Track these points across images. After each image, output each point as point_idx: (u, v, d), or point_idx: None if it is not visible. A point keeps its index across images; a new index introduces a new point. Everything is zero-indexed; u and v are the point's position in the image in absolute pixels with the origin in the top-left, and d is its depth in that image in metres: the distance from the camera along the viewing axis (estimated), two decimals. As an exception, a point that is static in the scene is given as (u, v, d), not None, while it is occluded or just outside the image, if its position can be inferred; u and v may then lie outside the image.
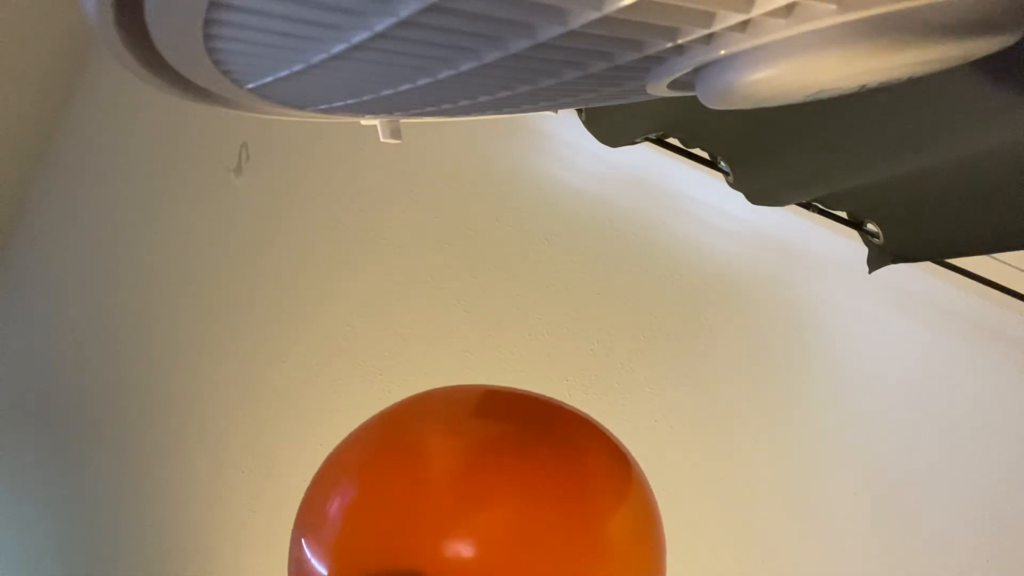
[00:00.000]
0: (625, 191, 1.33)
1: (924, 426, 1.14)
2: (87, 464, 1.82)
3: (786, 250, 1.23)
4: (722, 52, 0.24)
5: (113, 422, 1.77)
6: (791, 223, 1.20)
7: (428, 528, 0.38)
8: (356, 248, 1.53)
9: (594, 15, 0.21)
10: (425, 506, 0.39)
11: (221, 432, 1.64)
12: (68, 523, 1.84)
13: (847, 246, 1.06)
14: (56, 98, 1.95)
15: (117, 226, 1.86)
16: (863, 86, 0.26)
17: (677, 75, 0.26)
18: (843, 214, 0.79)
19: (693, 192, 1.28)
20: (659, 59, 0.25)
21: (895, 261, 0.73)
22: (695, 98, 0.27)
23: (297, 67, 0.27)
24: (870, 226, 0.75)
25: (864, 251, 0.77)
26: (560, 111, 0.79)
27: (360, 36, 0.23)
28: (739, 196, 0.82)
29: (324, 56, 0.26)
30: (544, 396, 0.47)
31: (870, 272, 0.76)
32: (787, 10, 0.22)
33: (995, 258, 0.97)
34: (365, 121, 0.41)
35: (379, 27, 0.22)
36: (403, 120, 0.42)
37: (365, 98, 0.32)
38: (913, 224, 0.70)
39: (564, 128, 1.37)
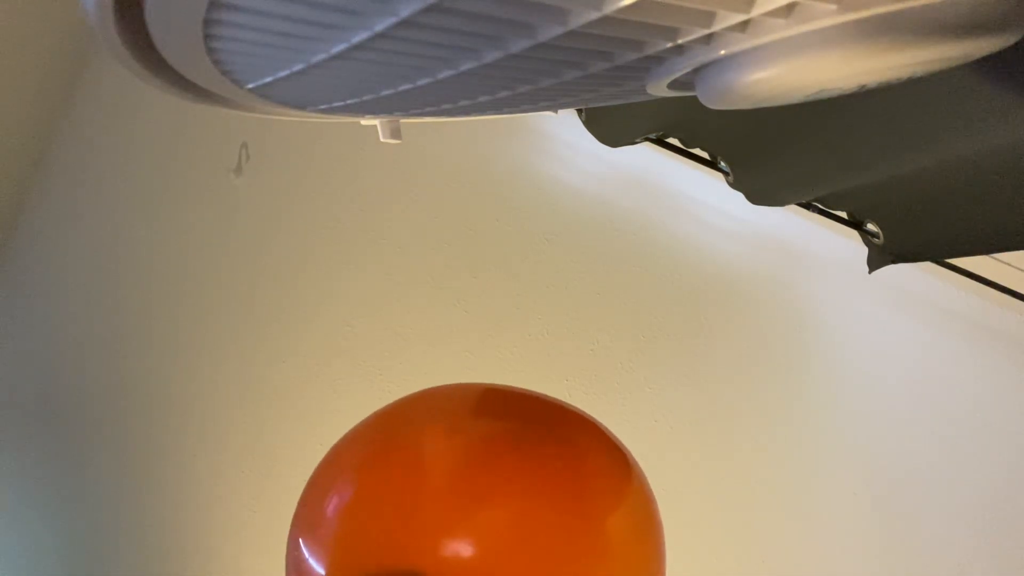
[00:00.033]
0: (625, 191, 1.33)
1: (924, 426, 1.14)
2: (87, 464, 1.82)
3: (786, 250, 1.23)
4: (722, 52, 0.24)
5: (113, 422, 1.77)
6: (791, 223, 1.20)
7: (427, 527, 0.38)
8: (356, 248, 1.53)
9: (594, 15, 0.21)
10: (424, 505, 0.39)
11: (221, 432, 1.64)
12: (68, 523, 1.84)
13: (847, 246, 1.06)
14: (56, 98, 1.95)
15: (117, 226, 1.86)
16: (863, 86, 0.26)
17: (677, 75, 0.26)
18: (843, 214, 0.79)
19: (693, 192, 1.28)
20: (659, 59, 0.25)
21: (895, 261, 0.73)
22: (695, 98, 0.27)
23: (297, 67, 0.27)
24: (870, 226, 0.75)
25: (864, 251, 0.77)
26: (560, 111, 0.79)
27: (360, 36, 0.23)
28: (739, 196, 0.82)
29: (324, 56, 0.26)
30: (544, 395, 0.47)
31: (870, 272, 0.76)
32: (787, 10, 0.22)
33: (995, 258, 0.97)
34: (365, 121, 0.41)
35: (379, 27, 0.22)
36: (403, 120, 0.42)
37: (365, 98, 0.32)
38: (913, 224, 0.70)
39: (564, 128, 1.37)
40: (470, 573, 0.37)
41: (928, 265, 1.01)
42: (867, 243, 0.77)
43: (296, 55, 0.27)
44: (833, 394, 1.19)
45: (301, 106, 0.36)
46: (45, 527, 1.87)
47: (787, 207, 0.85)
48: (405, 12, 0.21)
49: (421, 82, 0.28)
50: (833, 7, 0.22)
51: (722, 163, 0.82)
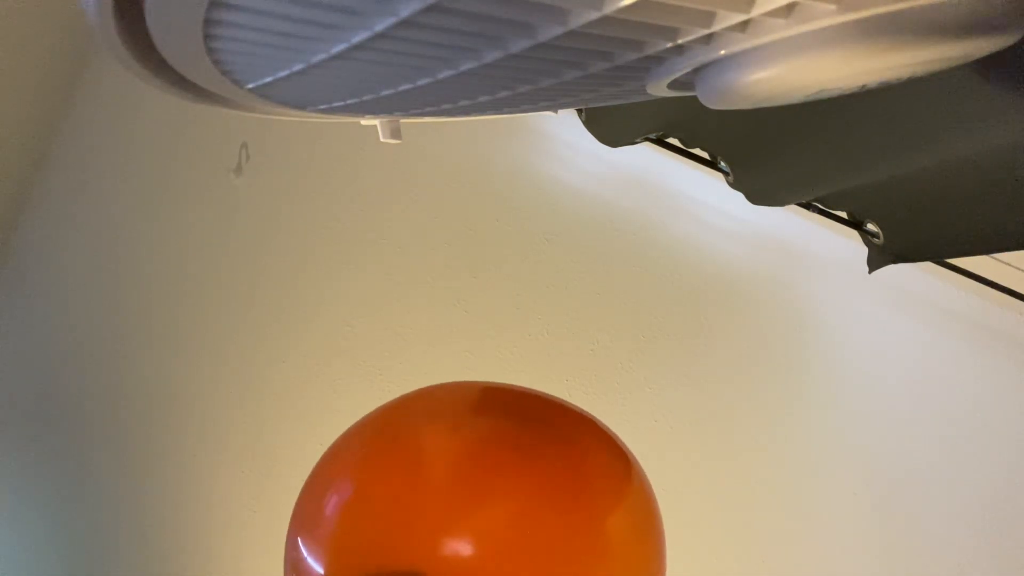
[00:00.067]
0: (625, 191, 1.33)
1: (924, 426, 1.14)
2: (87, 464, 1.82)
3: (786, 250, 1.23)
4: (722, 52, 0.24)
5: (113, 422, 1.77)
6: (791, 223, 1.20)
7: (427, 526, 0.38)
8: (356, 248, 1.53)
9: (594, 15, 0.21)
10: (424, 504, 0.39)
11: (221, 432, 1.64)
12: (68, 523, 1.84)
13: (847, 246, 1.06)
14: (56, 98, 1.95)
15: (117, 226, 1.86)
16: (863, 86, 0.26)
17: (677, 75, 0.26)
18: (843, 214, 0.79)
19: (693, 192, 1.28)
20: (659, 59, 0.25)
21: (895, 261, 0.73)
22: (695, 98, 0.27)
23: (297, 67, 0.27)
24: (870, 226, 0.75)
25: (864, 251, 0.77)
26: (560, 111, 0.79)
27: (360, 36, 0.23)
28: (739, 196, 0.82)
29: (324, 56, 0.26)
30: (544, 394, 0.47)
31: (870, 272, 0.76)
32: (787, 10, 0.22)
33: (995, 258, 0.97)
34: (365, 121, 0.41)
35: (379, 27, 0.22)
36: (403, 120, 0.42)
37: (365, 98, 0.32)
38: (913, 224, 0.70)
39: (564, 128, 1.37)
40: (470, 572, 0.37)
41: (928, 265, 1.01)
42: (867, 243, 0.77)
43: (296, 55, 0.27)
44: (833, 394, 1.19)
45: (301, 106, 0.36)
46: (45, 527, 1.87)
47: (787, 207, 0.85)
48: (405, 12, 0.21)
49: (421, 82, 0.28)
50: (833, 7, 0.22)
51: (722, 163, 0.82)
